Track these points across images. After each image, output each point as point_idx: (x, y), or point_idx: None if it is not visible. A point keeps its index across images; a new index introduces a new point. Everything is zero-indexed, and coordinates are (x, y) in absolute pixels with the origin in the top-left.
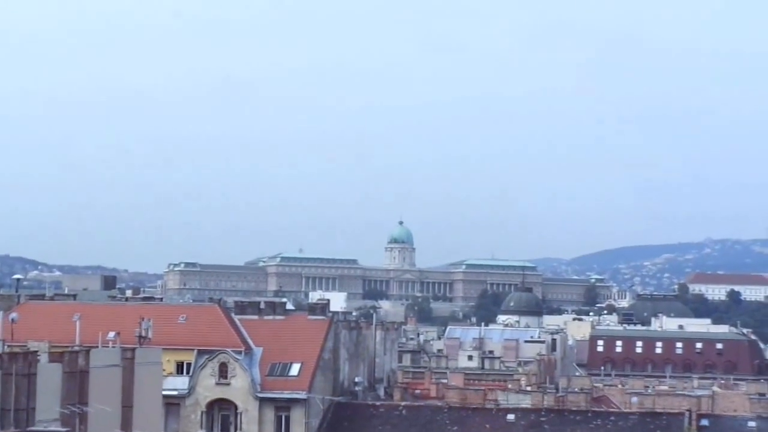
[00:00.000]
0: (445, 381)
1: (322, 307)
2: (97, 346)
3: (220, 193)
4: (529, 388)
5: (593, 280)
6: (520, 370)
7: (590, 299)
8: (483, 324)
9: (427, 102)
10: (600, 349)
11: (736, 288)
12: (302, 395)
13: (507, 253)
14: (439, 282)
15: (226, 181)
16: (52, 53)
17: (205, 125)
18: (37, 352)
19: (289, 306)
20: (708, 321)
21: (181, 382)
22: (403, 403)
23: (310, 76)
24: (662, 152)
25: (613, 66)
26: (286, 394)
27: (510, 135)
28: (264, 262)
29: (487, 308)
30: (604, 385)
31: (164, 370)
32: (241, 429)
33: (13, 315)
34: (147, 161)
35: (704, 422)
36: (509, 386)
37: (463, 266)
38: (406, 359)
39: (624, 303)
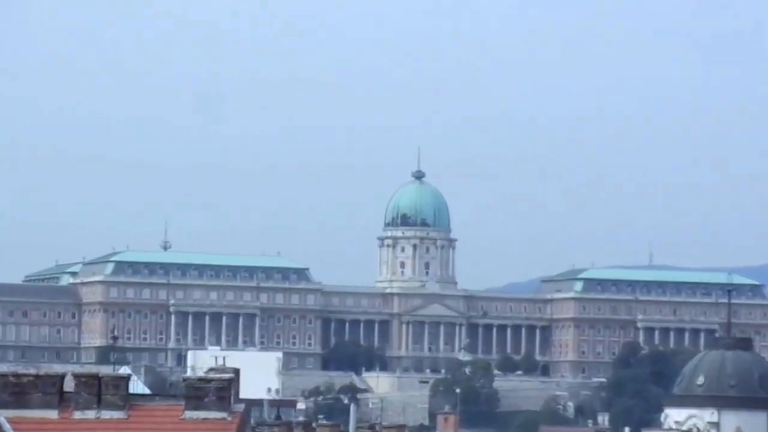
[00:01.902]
0: None
1: (221, 389)
2: None
3: None
4: None
5: None
6: None
7: None
8: (631, 430)
9: None
10: None
11: None
12: None
13: (684, 255)
14: (518, 324)
15: None
16: None
17: None
18: None
19: (138, 385)
20: None
21: None
22: None
23: None
24: None
25: None
26: None
27: None
28: (74, 275)
29: (637, 389)
30: None
31: None
32: None
33: None
34: None
35: None
36: None
37: (579, 284)
38: None
39: None
